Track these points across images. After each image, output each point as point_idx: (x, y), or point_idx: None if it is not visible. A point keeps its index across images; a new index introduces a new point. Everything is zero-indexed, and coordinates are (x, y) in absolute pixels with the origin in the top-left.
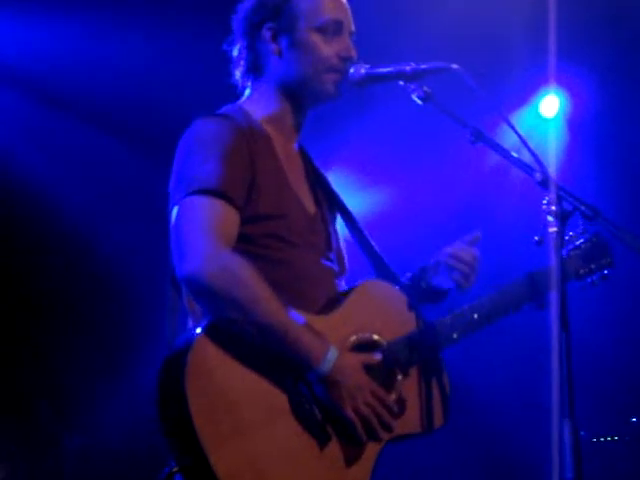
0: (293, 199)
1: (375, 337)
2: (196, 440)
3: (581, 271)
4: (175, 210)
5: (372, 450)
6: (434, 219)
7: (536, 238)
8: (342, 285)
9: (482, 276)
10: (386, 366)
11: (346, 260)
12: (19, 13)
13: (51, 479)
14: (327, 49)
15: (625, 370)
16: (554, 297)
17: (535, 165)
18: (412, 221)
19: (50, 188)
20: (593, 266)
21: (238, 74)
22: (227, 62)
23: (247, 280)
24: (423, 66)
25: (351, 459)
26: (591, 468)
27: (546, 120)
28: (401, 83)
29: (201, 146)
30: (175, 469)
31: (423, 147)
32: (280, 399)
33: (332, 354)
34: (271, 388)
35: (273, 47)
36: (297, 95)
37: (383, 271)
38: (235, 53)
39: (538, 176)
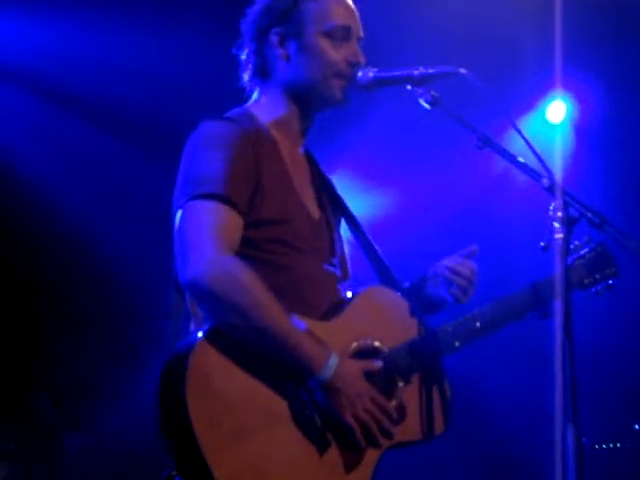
0: (297, 204)
1: (376, 344)
2: (196, 444)
3: (585, 281)
4: (179, 214)
5: (372, 456)
6: (439, 223)
7: (542, 244)
8: (345, 290)
9: (487, 282)
10: (387, 373)
11: (349, 265)
12: (25, 11)
13: (51, 479)
14: (335, 54)
15: (628, 377)
16: (558, 304)
17: (542, 171)
18: (416, 225)
19: (53, 187)
20: (598, 276)
21: (246, 78)
22: (235, 65)
23: (249, 285)
24: (431, 70)
25: (350, 465)
26: (593, 475)
27: (553, 126)
28: (409, 87)
29: (206, 149)
30: (174, 472)
31: (428, 151)
32: (280, 405)
33: (333, 361)
34: (271, 394)
35: (281, 52)
36: (304, 100)
37: (386, 277)
38: (243, 57)
39: (545, 182)
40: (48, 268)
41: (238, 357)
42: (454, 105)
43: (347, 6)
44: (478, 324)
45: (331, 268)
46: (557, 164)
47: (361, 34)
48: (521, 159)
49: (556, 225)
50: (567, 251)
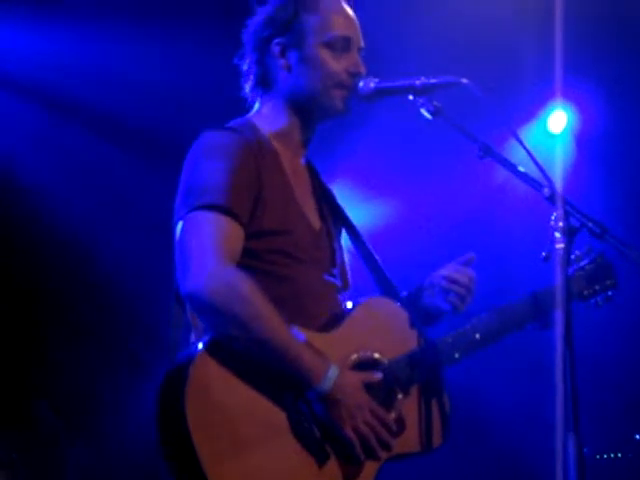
0: (299, 215)
1: (376, 355)
2: (195, 456)
3: (585, 292)
4: (180, 224)
5: (370, 468)
6: (440, 233)
7: (543, 254)
8: (345, 301)
9: (488, 292)
10: (386, 385)
11: (349, 275)
12: (26, 21)
13: None
14: (336, 65)
15: (629, 387)
16: (558, 314)
17: (543, 181)
18: (417, 234)
19: (55, 196)
20: (597, 287)
21: (247, 88)
22: (237, 75)
23: (249, 297)
24: (433, 80)
25: (349, 477)
26: None
27: (554, 136)
28: (410, 97)
29: (208, 160)
30: None
31: (429, 160)
32: (279, 417)
33: (333, 372)
34: (271, 406)
35: (282, 62)
36: (305, 110)
37: (386, 287)
38: (245, 67)
39: (546, 192)
40: (49, 277)
41: (238, 369)
42: (455, 115)
43: (348, 16)
44: (478, 335)
45: (331, 279)
46: (558, 174)
47: (362, 44)
48: (522, 169)
49: (557, 235)
50: (568, 261)
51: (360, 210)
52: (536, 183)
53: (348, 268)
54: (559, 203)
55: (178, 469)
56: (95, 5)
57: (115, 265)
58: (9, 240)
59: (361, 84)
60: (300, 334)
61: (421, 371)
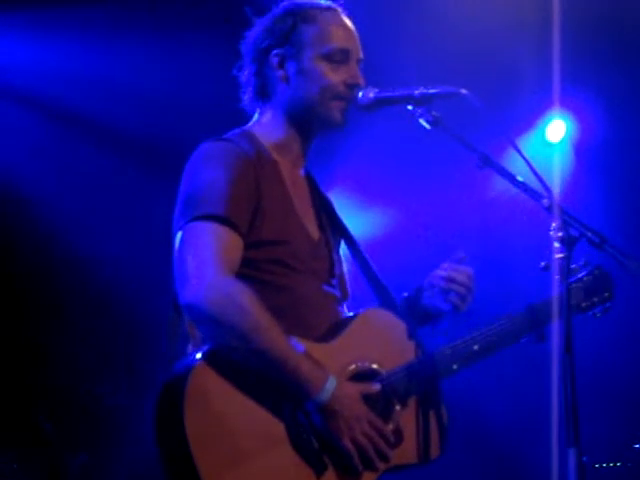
0: (297, 225)
1: (374, 366)
2: (194, 467)
3: (583, 304)
4: (179, 235)
5: (368, 479)
6: (438, 242)
7: (542, 264)
8: (344, 311)
9: (487, 302)
10: (384, 396)
11: (348, 286)
12: (27, 32)
13: None
14: (334, 77)
15: (628, 395)
16: (558, 324)
17: (542, 191)
18: (415, 244)
19: (54, 206)
20: (595, 299)
21: (246, 99)
22: (236, 86)
23: (248, 308)
24: (432, 90)
25: None
26: None
27: (552, 145)
28: (410, 107)
29: (207, 170)
30: None
31: (427, 169)
32: (278, 428)
33: (331, 384)
34: (269, 416)
35: (280, 73)
36: (303, 122)
37: (384, 298)
38: (244, 78)
39: (545, 202)
40: (49, 288)
41: (236, 379)
42: (454, 125)
43: (346, 28)
44: (476, 347)
45: (330, 289)
46: (556, 183)
47: (361, 56)
48: (520, 178)
49: (556, 245)
50: (569, 270)
51: (358, 219)
52: (535, 193)
53: (347, 278)
54: (558, 213)
55: (174, 474)
56: (95, 16)
57: (114, 274)
58: (8, 249)
59: (360, 94)
60: (299, 345)
61: (419, 382)
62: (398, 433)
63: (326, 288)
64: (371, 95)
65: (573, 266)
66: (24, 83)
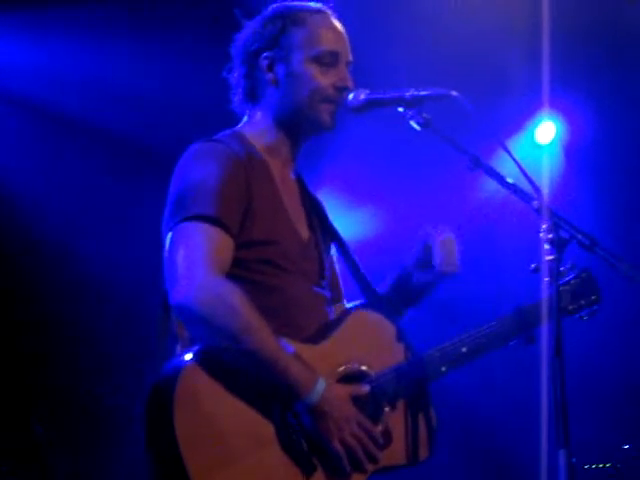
0: (287, 225)
1: (363, 368)
2: (183, 468)
3: (570, 307)
4: (169, 235)
5: None
6: None
7: (532, 266)
8: (333, 312)
9: (477, 303)
10: (373, 398)
11: (341, 285)
12: (17, 32)
13: None
14: (323, 80)
15: (618, 397)
16: (548, 326)
17: (532, 193)
18: (403, 245)
19: (44, 207)
20: (583, 302)
21: (236, 101)
22: (226, 88)
23: (239, 308)
24: (423, 92)
25: None
26: None
27: (542, 147)
28: (400, 109)
29: (197, 171)
30: None
31: (417, 171)
32: (267, 428)
33: (320, 385)
34: (259, 417)
35: (270, 76)
36: (293, 125)
37: (373, 300)
38: (233, 81)
39: (535, 204)
40: (45, 288)
41: (226, 380)
42: (443, 126)
43: (336, 31)
44: (465, 349)
45: (320, 290)
46: (546, 185)
47: (350, 58)
48: (510, 180)
49: (546, 247)
50: (558, 272)
51: (346, 220)
52: (525, 195)
53: (339, 279)
54: (548, 215)
55: (164, 476)
56: (85, 17)
57: (111, 274)
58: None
59: (351, 96)
60: (289, 346)
61: (408, 384)
62: (387, 434)
63: (316, 289)
64: (362, 97)
65: (561, 269)
66: (14, 84)
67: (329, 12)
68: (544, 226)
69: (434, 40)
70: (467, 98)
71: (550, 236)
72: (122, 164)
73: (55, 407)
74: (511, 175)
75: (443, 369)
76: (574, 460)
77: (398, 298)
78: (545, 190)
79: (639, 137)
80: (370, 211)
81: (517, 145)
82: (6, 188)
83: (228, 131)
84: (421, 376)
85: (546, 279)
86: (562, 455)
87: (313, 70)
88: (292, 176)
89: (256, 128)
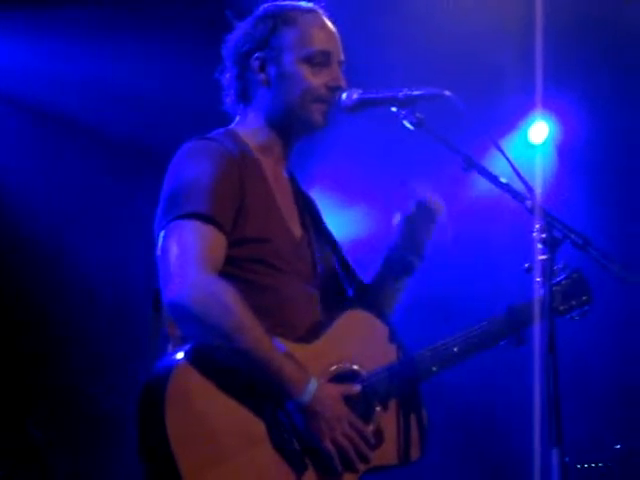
0: (279, 224)
1: (355, 368)
2: (175, 467)
3: (561, 308)
4: (163, 233)
5: None
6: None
7: (526, 265)
8: (325, 311)
9: (470, 303)
10: (365, 397)
11: (340, 283)
12: (11, 32)
13: None
14: (315, 80)
15: (611, 397)
16: (542, 324)
17: (525, 192)
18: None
19: (39, 205)
20: (574, 303)
21: (228, 102)
22: (218, 88)
23: (232, 307)
24: (416, 92)
25: None
26: None
27: (535, 146)
28: (394, 109)
29: (190, 169)
30: None
31: (410, 169)
32: (259, 427)
33: (313, 385)
34: (250, 416)
35: (261, 77)
36: (285, 125)
37: (365, 301)
38: (225, 82)
39: (529, 204)
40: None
41: (218, 379)
42: (436, 126)
43: (327, 30)
44: (456, 349)
45: (313, 289)
46: (539, 185)
47: (342, 57)
48: (503, 179)
49: (539, 246)
50: (552, 272)
51: (337, 218)
52: (519, 195)
53: (336, 277)
54: (541, 214)
55: (156, 475)
56: (79, 17)
57: (107, 274)
58: None
59: (344, 95)
60: (281, 345)
61: (399, 384)
62: (379, 434)
63: (309, 288)
64: (355, 97)
65: (555, 267)
66: (11, 83)
67: (320, 11)
68: (537, 226)
69: (427, 40)
70: (460, 98)
71: (543, 236)
72: (115, 164)
73: (51, 408)
74: (504, 175)
75: (434, 369)
76: (567, 459)
77: (389, 273)
78: (538, 190)
79: (632, 137)
80: (362, 210)
81: (510, 145)
82: (0, 187)
83: (221, 130)
84: (412, 376)
85: (538, 279)
86: (555, 454)
87: (305, 70)
88: (285, 175)
89: (249, 127)
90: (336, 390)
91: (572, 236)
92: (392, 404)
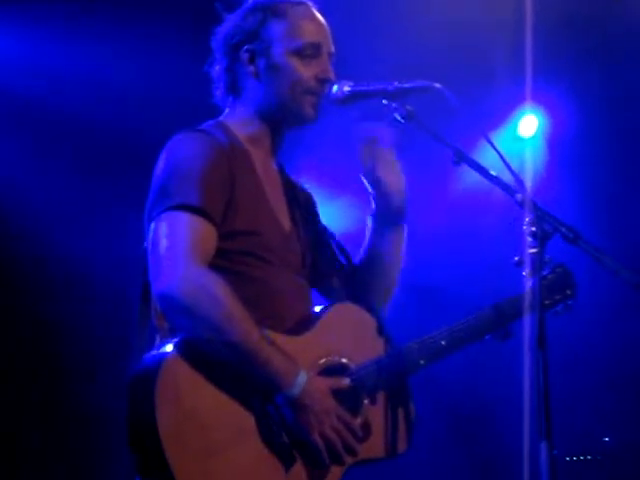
0: (269, 216)
1: (344, 361)
2: (164, 460)
3: (546, 302)
4: (152, 225)
5: (336, 472)
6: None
7: (516, 259)
8: (314, 304)
9: (459, 297)
10: (353, 390)
11: (328, 275)
12: None
13: None
14: (305, 71)
15: (599, 390)
16: (531, 318)
17: (516, 185)
18: None
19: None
20: (558, 297)
21: (218, 95)
22: (208, 82)
23: (222, 299)
24: (406, 85)
25: None
26: None
27: (524, 140)
28: (384, 101)
29: (181, 160)
30: None
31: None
32: (248, 421)
33: (302, 378)
34: (240, 409)
35: (251, 69)
36: (275, 117)
37: (354, 294)
38: (215, 74)
39: (519, 197)
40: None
41: (207, 372)
42: (426, 118)
43: (317, 22)
44: (443, 342)
45: (302, 281)
46: (529, 178)
47: (332, 49)
48: (493, 173)
49: (529, 240)
50: (541, 265)
51: (325, 211)
52: (509, 188)
53: (331, 268)
54: (530, 208)
55: (147, 473)
56: (61, 9)
57: (101, 272)
58: None
59: (335, 88)
60: (271, 338)
61: (387, 377)
62: (366, 427)
63: (298, 280)
64: (345, 89)
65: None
66: None
67: (310, 4)
68: (527, 219)
69: (417, 33)
70: (451, 91)
71: (533, 229)
72: (106, 161)
73: (45, 409)
74: (494, 168)
75: (422, 362)
76: (556, 452)
77: (375, 230)
78: (528, 183)
79: (621, 130)
80: (349, 202)
81: (500, 138)
82: None
83: (211, 121)
84: (400, 369)
85: (524, 272)
86: (544, 447)
87: (294, 62)
88: (274, 167)
89: (238, 119)
90: (325, 384)
91: (562, 229)
92: (380, 397)
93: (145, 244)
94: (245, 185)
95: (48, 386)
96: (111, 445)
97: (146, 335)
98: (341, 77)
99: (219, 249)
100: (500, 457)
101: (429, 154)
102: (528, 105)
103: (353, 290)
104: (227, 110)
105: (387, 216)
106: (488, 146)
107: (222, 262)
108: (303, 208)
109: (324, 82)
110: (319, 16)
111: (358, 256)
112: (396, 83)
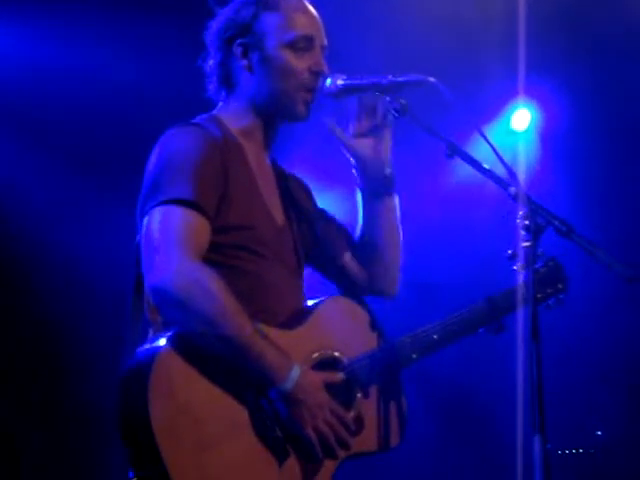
0: (262, 209)
1: (337, 355)
2: (158, 454)
3: (538, 295)
4: (146, 219)
5: (329, 467)
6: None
7: (509, 252)
8: (307, 298)
9: (452, 290)
10: (346, 384)
11: (321, 269)
12: None
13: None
14: (298, 64)
15: (592, 384)
16: (525, 311)
17: (509, 179)
18: None
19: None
20: (550, 290)
21: (211, 89)
22: (200, 76)
23: (215, 293)
24: (400, 78)
25: (308, 475)
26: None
27: (517, 134)
28: (377, 95)
29: (174, 155)
30: None
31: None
32: (242, 415)
33: (295, 372)
34: (233, 403)
35: (244, 63)
36: (268, 110)
37: (348, 287)
38: (208, 69)
39: (512, 190)
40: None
41: (201, 366)
42: (419, 111)
43: (310, 15)
44: (436, 336)
45: (295, 275)
46: (522, 172)
47: (325, 42)
48: (487, 166)
49: (522, 233)
50: (534, 259)
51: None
52: (502, 182)
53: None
54: (524, 201)
55: (140, 467)
56: (56, 7)
57: (98, 272)
58: None
59: (328, 81)
60: (264, 332)
61: (380, 371)
62: (359, 421)
63: (291, 274)
64: (339, 82)
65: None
66: None
67: None
68: (520, 212)
69: (411, 26)
70: (444, 84)
71: (526, 222)
72: (106, 161)
73: (45, 409)
74: (487, 161)
75: (414, 356)
76: (549, 446)
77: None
78: (521, 176)
79: (614, 124)
80: (341, 195)
81: (493, 132)
82: None
83: (205, 115)
84: (393, 363)
85: (516, 266)
86: (537, 440)
87: (287, 55)
88: (267, 160)
89: (232, 113)
90: (318, 377)
91: (555, 223)
92: (373, 391)
93: (138, 238)
94: (238, 179)
95: (48, 386)
96: (111, 445)
97: (139, 328)
98: (334, 70)
99: (212, 243)
100: (493, 450)
101: (422, 147)
102: (521, 99)
103: (359, 270)
104: (220, 104)
105: (374, 187)
106: (481, 139)
107: (215, 256)
108: (297, 199)
109: (317, 75)
110: (312, 9)
111: (356, 233)
112: (390, 77)
